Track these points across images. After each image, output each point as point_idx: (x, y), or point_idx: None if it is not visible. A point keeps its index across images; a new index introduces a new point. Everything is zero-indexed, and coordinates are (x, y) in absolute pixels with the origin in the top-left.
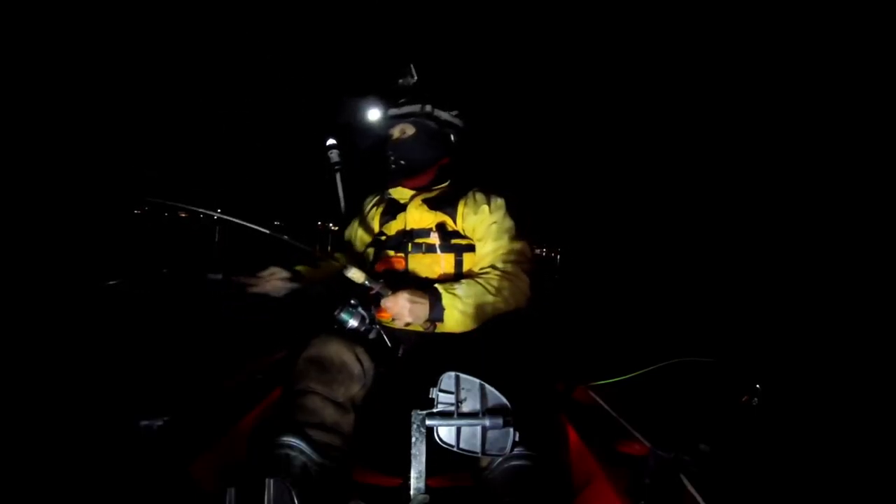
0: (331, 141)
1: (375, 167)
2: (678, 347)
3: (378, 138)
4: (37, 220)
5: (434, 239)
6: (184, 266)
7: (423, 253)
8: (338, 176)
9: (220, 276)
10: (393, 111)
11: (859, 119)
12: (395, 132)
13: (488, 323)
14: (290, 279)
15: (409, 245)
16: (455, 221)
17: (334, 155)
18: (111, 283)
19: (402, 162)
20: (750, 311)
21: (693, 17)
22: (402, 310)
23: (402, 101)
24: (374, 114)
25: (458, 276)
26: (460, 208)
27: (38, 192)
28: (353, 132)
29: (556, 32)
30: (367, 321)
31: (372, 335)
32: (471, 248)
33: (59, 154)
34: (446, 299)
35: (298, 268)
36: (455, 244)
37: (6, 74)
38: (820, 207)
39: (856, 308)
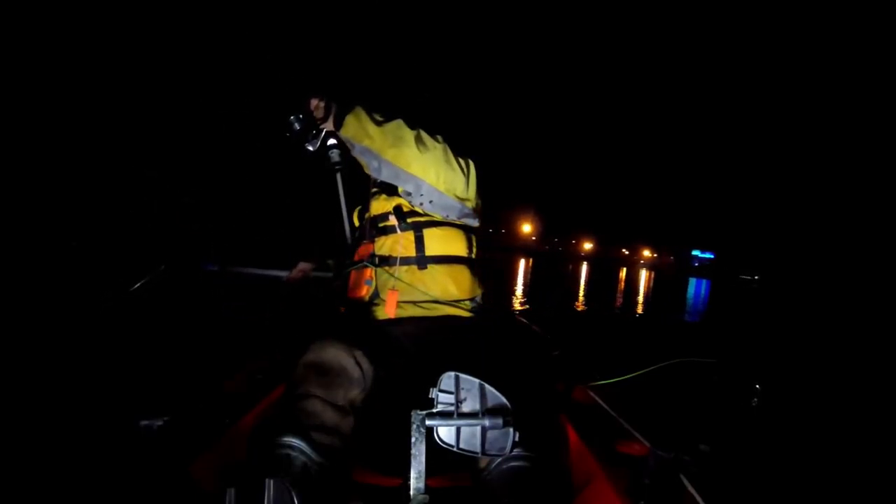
0: (331, 140)
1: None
2: (679, 348)
3: None
4: (37, 220)
5: (392, 220)
6: (180, 259)
7: (386, 235)
8: (338, 176)
9: (215, 268)
10: None
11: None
12: None
13: (486, 316)
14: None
15: (374, 231)
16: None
17: (335, 155)
18: (160, 269)
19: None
20: (750, 313)
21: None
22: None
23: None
24: None
25: (421, 250)
26: None
27: (39, 192)
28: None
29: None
30: (314, 133)
31: (315, 147)
32: (431, 223)
33: (59, 154)
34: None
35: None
36: (412, 222)
37: (8, 75)
38: (820, 212)
39: (853, 311)
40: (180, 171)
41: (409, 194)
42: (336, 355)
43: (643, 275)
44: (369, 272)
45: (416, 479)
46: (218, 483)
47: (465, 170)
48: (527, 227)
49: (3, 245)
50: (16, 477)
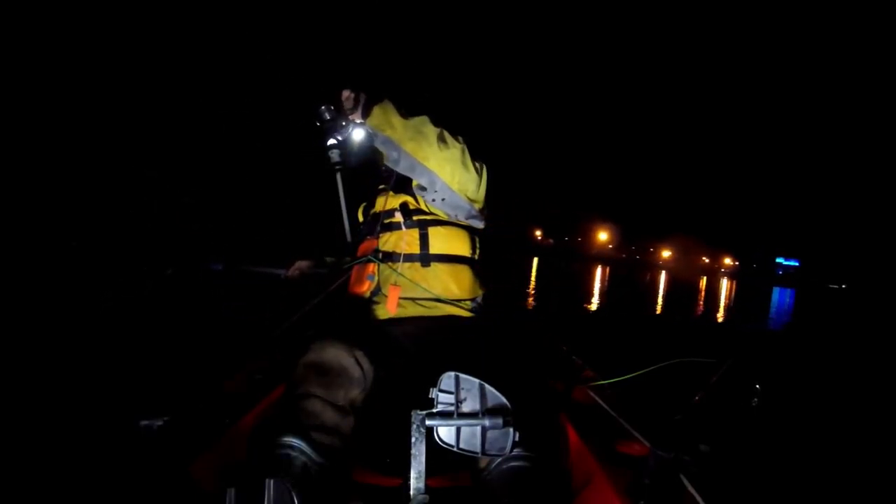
0: (331, 140)
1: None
2: (679, 348)
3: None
4: (37, 220)
5: (398, 217)
6: (186, 262)
7: (391, 231)
8: (338, 176)
9: (220, 267)
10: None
11: None
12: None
13: (477, 293)
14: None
15: (378, 227)
16: (417, 200)
17: (335, 155)
18: (167, 272)
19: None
20: (750, 313)
21: None
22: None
23: None
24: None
25: (425, 248)
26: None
27: (39, 192)
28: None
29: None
30: (343, 123)
31: (342, 136)
32: (436, 222)
33: (59, 154)
34: (382, 105)
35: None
36: (418, 220)
37: (8, 75)
38: (823, 211)
39: (852, 310)
40: (180, 171)
41: (422, 189)
42: (336, 355)
43: (724, 284)
44: (372, 267)
45: (416, 479)
46: (218, 483)
47: (479, 172)
48: (603, 236)
49: (4, 245)
50: (16, 477)
